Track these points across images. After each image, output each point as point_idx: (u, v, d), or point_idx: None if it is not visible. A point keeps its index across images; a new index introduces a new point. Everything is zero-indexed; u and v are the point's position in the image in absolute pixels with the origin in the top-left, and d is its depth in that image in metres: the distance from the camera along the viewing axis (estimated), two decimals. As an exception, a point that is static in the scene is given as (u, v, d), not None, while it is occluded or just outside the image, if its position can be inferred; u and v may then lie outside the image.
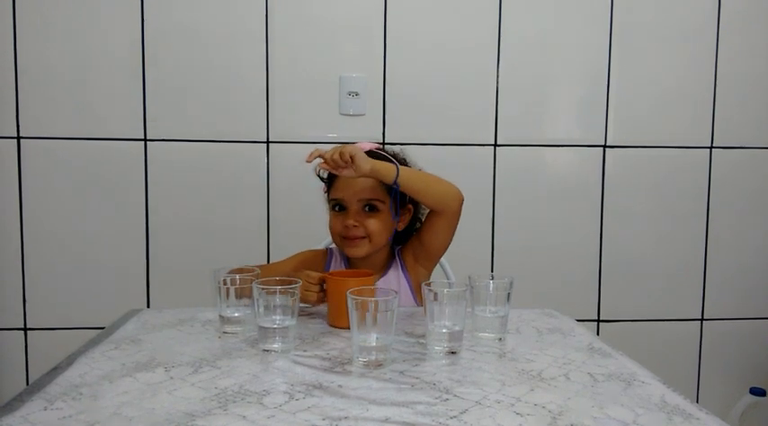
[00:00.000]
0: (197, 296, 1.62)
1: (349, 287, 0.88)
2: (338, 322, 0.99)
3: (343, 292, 0.84)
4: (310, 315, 1.07)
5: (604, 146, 1.79)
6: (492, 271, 1.76)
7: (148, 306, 1.71)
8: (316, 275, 1.03)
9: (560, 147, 1.78)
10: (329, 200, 1.18)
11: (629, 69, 1.78)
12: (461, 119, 1.74)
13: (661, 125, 1.80)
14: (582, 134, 1.78)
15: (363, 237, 1.13)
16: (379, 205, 1.13)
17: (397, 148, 1.26)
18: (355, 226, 1.12)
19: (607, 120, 1.79)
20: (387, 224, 1.15)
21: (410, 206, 1.20)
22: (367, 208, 1.14)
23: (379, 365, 0.80)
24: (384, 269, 1.20)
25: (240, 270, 0.98)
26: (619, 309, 1.83)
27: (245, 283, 0.96)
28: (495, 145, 1.76)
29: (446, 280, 1.29)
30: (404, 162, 1.22)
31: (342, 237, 1.15)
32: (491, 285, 0.95)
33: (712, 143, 1.82)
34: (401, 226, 1.19)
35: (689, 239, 1.84)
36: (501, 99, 1.75)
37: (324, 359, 0.84)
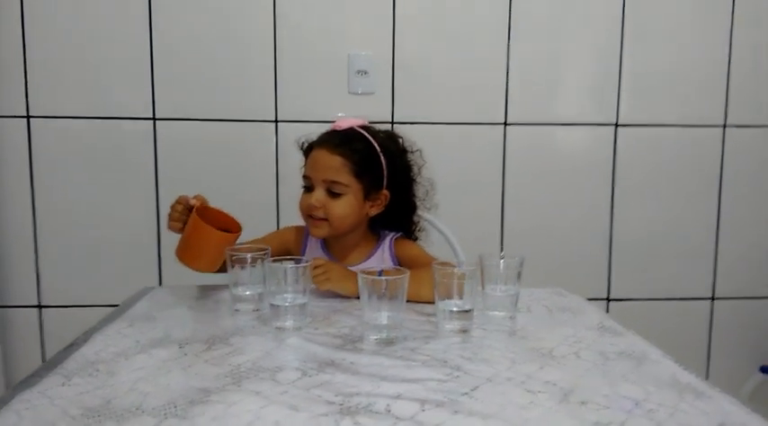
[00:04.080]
0: (209, 274, 1.63)
1: (209, 236, 0.96)
2: (184, 256, 1.01)
3: (201, 237, 0.94)
4: (321, 294, 1.07)
5: (616, 125, 1.77)
6: (502, 251, 1.76)
7: (160, 285, 1.72)
8: (184, 198, 1.04)
9: (571, 126, 1.76)
10: (303, 175, 1.15)
11: (641, 46, 1.75)
12: (471, 98, 1.73)
13: (674, 104, 1.78)
14: (593, 112, 1.76)
15: (324, 219, 1.10)
16: (343, 189, 1.09)
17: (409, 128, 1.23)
18: (316, 207, 1.09)
19: (619, 99, 1.76)
20: (352, 208, 1.10)
21: (386, 192, 1.14)
22: (331, 191, 1.10)
23: (390, 342, 0.81)
24: (365, 253, 1.17)
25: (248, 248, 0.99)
26: (629, 288, 1.83)
27: (256, 261, 0.96)
28: (506, 124, 1.74)
29: (456, 259, 1.29)
30: (394, 142, 1.17)
31: (306, 216, 1.13)
32: (501, 264, 0.95)
33: (725, 121, 1.80)
34: (373, 212, 1.15)
35: (700, 218, 1.83)
36: (511, 77, 1.73)
37: (335, 336, 0.84)
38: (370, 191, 1.13)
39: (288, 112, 1.70)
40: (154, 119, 1.68)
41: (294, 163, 1.73)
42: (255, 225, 1.71)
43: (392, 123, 1.71)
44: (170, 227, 1.07)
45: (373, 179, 1.12)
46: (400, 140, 1.21)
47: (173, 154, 1.69)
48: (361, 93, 1.70)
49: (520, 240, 1.77)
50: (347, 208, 1.10)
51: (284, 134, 1.70)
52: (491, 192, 1.77)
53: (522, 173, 1.76)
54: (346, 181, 1.10)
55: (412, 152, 1.21)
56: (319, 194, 1.10)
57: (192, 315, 0.96)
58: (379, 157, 1.13)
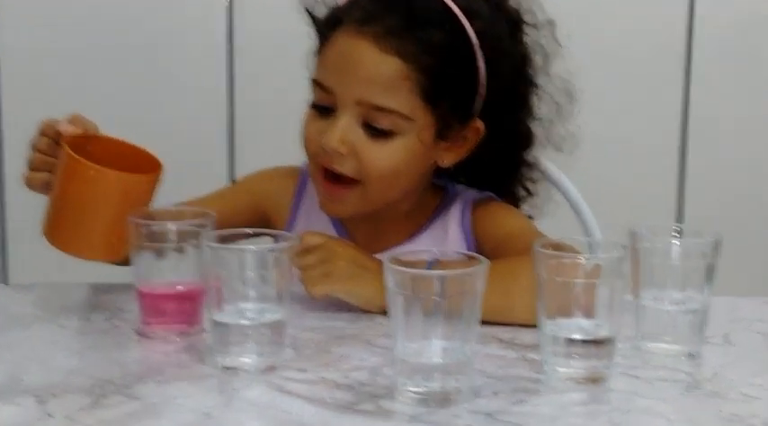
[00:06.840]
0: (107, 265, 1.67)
1: (99, 183, 0.97)
2: (56, 232, 1.04)
3: (83, 187, 0.96)
4: (316, 305, 1.08)
5: None
6: (679, 221, 1.76)
7: (6, 283, 1.78)
8: (50, 125, 1.03)
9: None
10: (312, 79, 1.14)
11: None
12: None
13: None
14: None
15: (352, 181, 1.10)
16: (396, 123, 1.09)
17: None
18: (339, 153, 1.08)
19: None
20: (410, 161, 1.11)
21: (479, 123, 1.14)
22: (371, 126, 1.09)
23: (446, 400, 0.82)
24: (412, 226, 1.21)
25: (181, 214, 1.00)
26: None
27: (187, 238, 0.98)
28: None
29: (583, 238, 1.29)
30: (502, 14, 1.17)
31: (316, 163, 1.13)
32: (674, 248, 0.95)
33: None
34: (448, 161, 1.17)
35: None
36: None
37: (340, 386, 0.86)
38: (449, 125, 1.12)
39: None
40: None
41: (258, 49, 1.74)
42: (193, 157, 1.75)
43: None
44: (28, 183, 1.07)
45: (458, 101, 1.12)
46: None
47: (28, 38, 1.74)
48: None
49: (714, 200, 1.78)
50: (401, 159, 1.10)
51: (244, 4, 1.73)
52: (659, 104, 1.77)
53: (725, 67, 1.77)
54: (406, 110, 1.09)
55: (536, 26, 1.20)
56: (347, 126, 1.09)
57: (62, 339, 0.98)
58: (475, 57, 1.11)
